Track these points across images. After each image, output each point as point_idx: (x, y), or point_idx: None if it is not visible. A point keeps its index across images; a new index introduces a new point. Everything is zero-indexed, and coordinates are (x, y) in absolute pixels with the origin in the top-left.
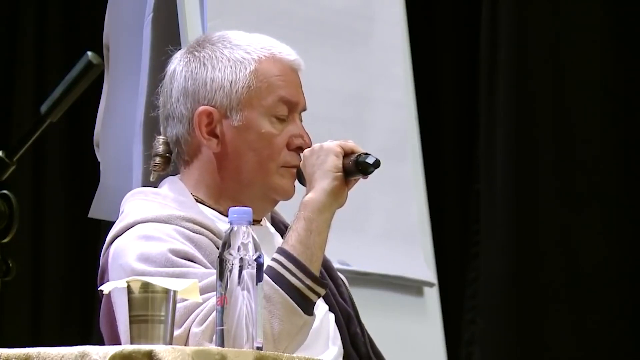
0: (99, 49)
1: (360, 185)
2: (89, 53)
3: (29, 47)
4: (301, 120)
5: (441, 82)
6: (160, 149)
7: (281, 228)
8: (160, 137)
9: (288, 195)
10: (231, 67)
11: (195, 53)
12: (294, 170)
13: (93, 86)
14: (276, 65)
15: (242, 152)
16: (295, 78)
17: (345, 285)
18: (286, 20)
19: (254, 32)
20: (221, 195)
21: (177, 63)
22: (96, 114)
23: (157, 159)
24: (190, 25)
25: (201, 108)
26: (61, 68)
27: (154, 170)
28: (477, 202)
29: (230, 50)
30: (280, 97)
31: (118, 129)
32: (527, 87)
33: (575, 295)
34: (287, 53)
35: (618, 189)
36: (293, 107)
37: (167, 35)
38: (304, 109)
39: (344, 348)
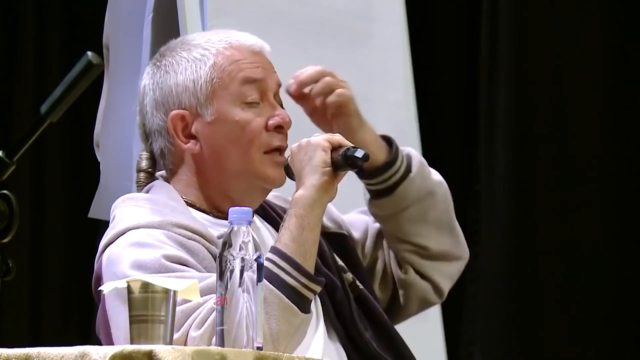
0: (99, 49)
1: (361, 184)
2: (89, 53)
3: (29, 47)
4: (281, 104)
5: (441, 82)
6: (144, 164)
7: (268, 210)
8: (143, 153)
9: (276, 182)
10: (191, 67)
11: (158, 63)
12: (280, 158)
13: (93, 86)
14: (234, 52)
15: (221, 146)
16: (257, 59)
17: (328, 248)
18: (286, 20)
19: (254, 32)
20: (211, 194)
21: (145, 77)
22: (96, 114)
23: (142, 175)
24: (190, 26)
25: (173, 113)
26: (61, 68)
27: (139, 186)
28: (477, 202)
29: (189, 51)
30: (242, 79)
31: (118, 129)
32: (527, 87)
33: (575, 295)
34: (244, 39)
35: (618, 189)
36: (262, 86)
37: (167, 36)
38: (278, 88)
39: (329, 323)
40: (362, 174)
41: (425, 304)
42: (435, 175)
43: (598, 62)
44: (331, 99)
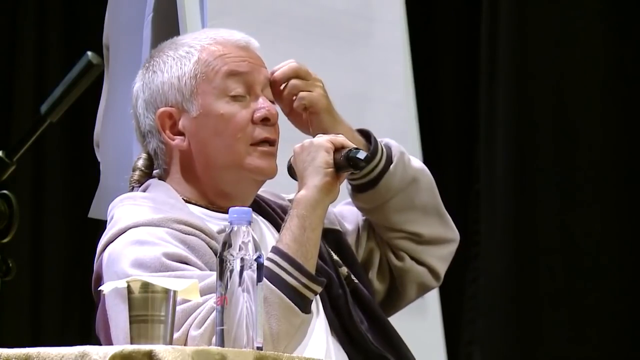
0: (99, 49)
1: None
2: (89, 53)
3: (29, 47)
4: (271, 98)
5: (441, 82)
6: (140, 163)
7: (262, 205)
8: (142, 154)
9: (265, 173)
10: (176, 64)
11: (147, 65)
12: (268, 147)
13: (93, 86)
14: (218, 47)
15: (207, 140)
16: (243, 53)
17: (323, 243)
18: (286, 20)
19: (254, 32)
20: (204, 189)
21: (137, 80)
22: (96, 114)
23: (136, 173)
24: (190, 25)
25: (160, 111)
26: (61, 68)
27: (131, 183)
28: (477, 202)
29: (175, 50)
30: (226, 72)
31: (118, 129)
32: (527, 87)
33: (575, 295)
34: (230, 35)
35: (618, 189)
36: (248, 80)
37: (167, 36)
38: (266, 83)
39: (327, 318)
40: None
41: (423, 289)
42: (416, 162)
43: (598, 62)
44: (295, 104)
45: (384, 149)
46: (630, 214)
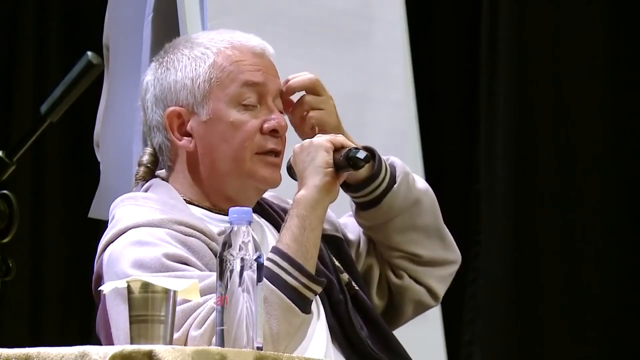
0: (99, 49)
1: None
2: (89, 53)
3: (29, 47)
4: (280, 109)
5: (441, 82)
6: (145, 159)
7: (265, 208)
8: (147, 148)
9: (269, 183)
10: (191, 65)
11: (160, 60)
12: (273, 158)
13: (93, 86)
14: (235, 52)
15: (214, 145)
16: (259, 61)
17: (325, 248)
18: (286, 20)
19: (254, 32)
20: (207, 191)
21: (148, 73)
22: (96, 114)
23: (141, 170)
24: (190, 25)
25: (169, 110)
26: (61, 68)
27: (137, 179)
28: (477, 202)
29: (191, 49)
30: (243, 82)
31: (118, 129)
32: (527, 87)
33: (575, 295)
34: (247, 40)
35: (618, 189)
36: (261, 90)
37: (167, 36)
38: (279, 92)
39: (328, 323)
40: (347, 188)
41: (421, 308)
42: (421, 183)
43: (598, 62)
44: (305, 122)
45: (388, 168)
46: (630, 214)
